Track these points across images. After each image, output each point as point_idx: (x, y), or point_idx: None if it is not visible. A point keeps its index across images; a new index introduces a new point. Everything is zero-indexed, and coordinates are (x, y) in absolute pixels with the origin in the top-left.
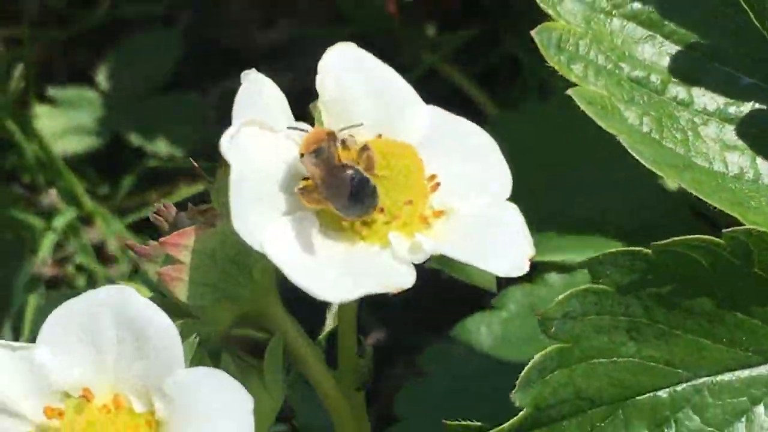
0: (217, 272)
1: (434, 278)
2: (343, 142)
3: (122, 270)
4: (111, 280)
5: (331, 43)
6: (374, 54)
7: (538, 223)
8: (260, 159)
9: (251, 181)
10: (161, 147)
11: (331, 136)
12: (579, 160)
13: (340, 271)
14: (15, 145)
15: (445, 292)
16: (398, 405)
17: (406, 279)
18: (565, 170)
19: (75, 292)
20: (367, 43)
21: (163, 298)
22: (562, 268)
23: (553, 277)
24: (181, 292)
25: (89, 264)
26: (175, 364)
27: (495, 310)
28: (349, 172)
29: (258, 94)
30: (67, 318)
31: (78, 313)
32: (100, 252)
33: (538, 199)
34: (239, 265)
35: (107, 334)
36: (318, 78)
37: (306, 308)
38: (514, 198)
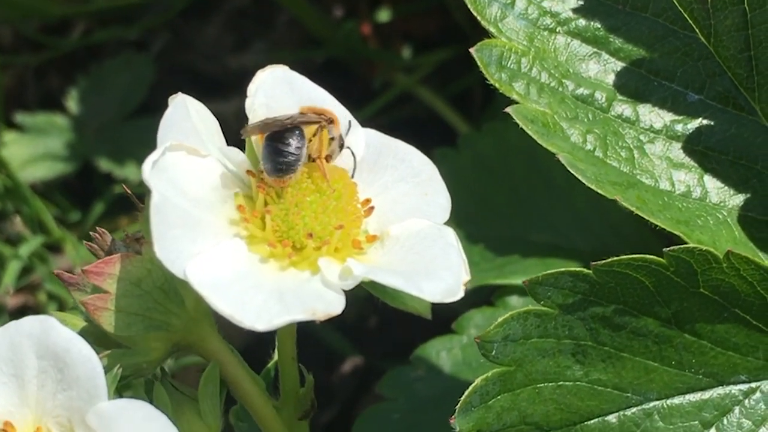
0: (145, 301)
1: None
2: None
3: None
4: None
5: (306, 66)
6: (348, 76)
7: (501, 245)
8: (185, 184)
9: (174, 206)
10: (132, 173)
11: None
12: (541, 182)
13: (268, 298)
14: None
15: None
16: (357, 430)
17: (335, 306)
18: (527, 192)
19: (49, 314)
20: (341, 65)
21: (95, 327)
22: (524, 291)
23: (515, 301)
24: (106, 321)
25: (59, 291)
26: (97, 395)
27: (455, 334)
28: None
29: (185, 118)
30: None
31: (0, 344)
32: None
33: (502, 221)
34: (168, 294)
35: (28, 365)
36: (248, 101)
37: (253, 338)
38: (476, 220)
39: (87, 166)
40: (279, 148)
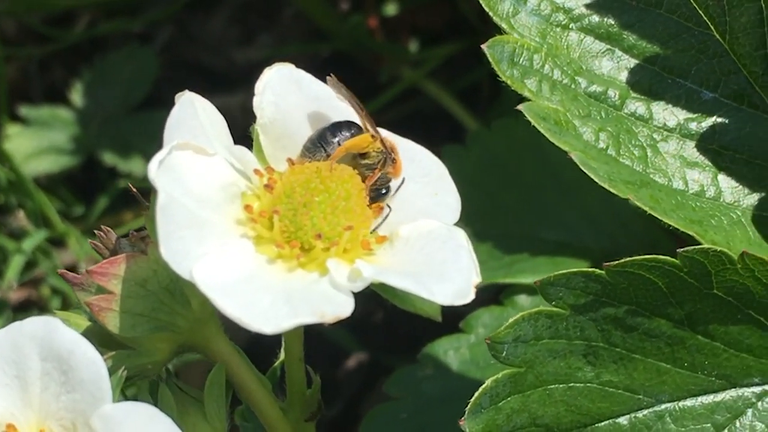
0: (150, 302)
1: None
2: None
3: None
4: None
5: (312, 59)
6: (354, 70)
7: (510, 244)
8: (192, 183)
9: (180, 206)
10: (136, 166)
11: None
12: (551, 179)
13: (276, 300)
14: None
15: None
16: (364, 429)
17: (344, 308)
18: (537, 189)
19: (52, 314)
20: (348, 58)
21: (100, 327)
22: (533, 290)
23: (523, 300)
24: (111, 322)
25: (62, 286)
26: (102, 398)
27: (463, 333)
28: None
29: (192, 117)
30: None
31: (2, 346)
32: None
33: (510, 218)
34: (174, 294)
35: (32, 367)
36: (255, 99)
37: (256, 336)
38: (485, 217)
39: (91, 159)
40: (330, 131)
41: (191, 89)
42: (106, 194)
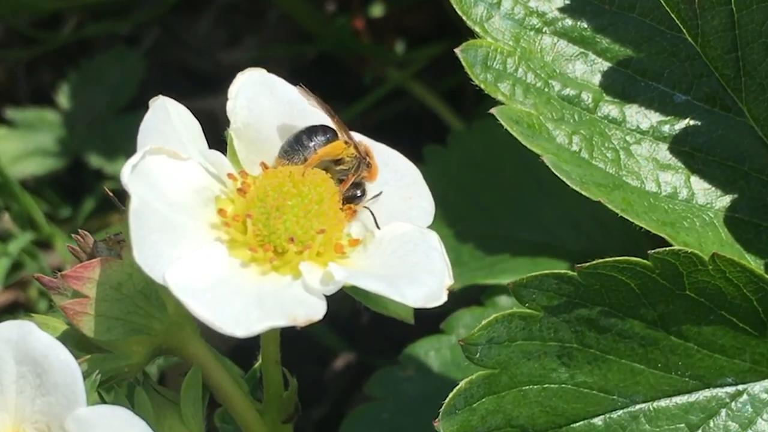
0: (125, 305)
1: None
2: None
3: None
4: None
5: (298, 61)
6: (340, 71)
7: (491, 244)
8: (165, 187)
9: (153, 211)
10: (122, 168)
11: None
12: (531, 180)
13: (248, 303)
14: None
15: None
16: (345, 430)
17: (316, 311)
18: (517, 190)
19: (30, 317)
20: (334, 60)
21: (77, 331)
22: None
23: (504, 301)
24: (86, 326)
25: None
26: (76, 401)
27: (443, 334)
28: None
29: (165, 121)
30: None
31: None
32: None
33: (491, 219)
34: (149, 298)
35: (7, 370)
36: (228, 104)
37: (246, 343)
38: (466, 218)
39: (77, 161)
40: (306, 134)
41: (177, 91)
42: (93, 196)
